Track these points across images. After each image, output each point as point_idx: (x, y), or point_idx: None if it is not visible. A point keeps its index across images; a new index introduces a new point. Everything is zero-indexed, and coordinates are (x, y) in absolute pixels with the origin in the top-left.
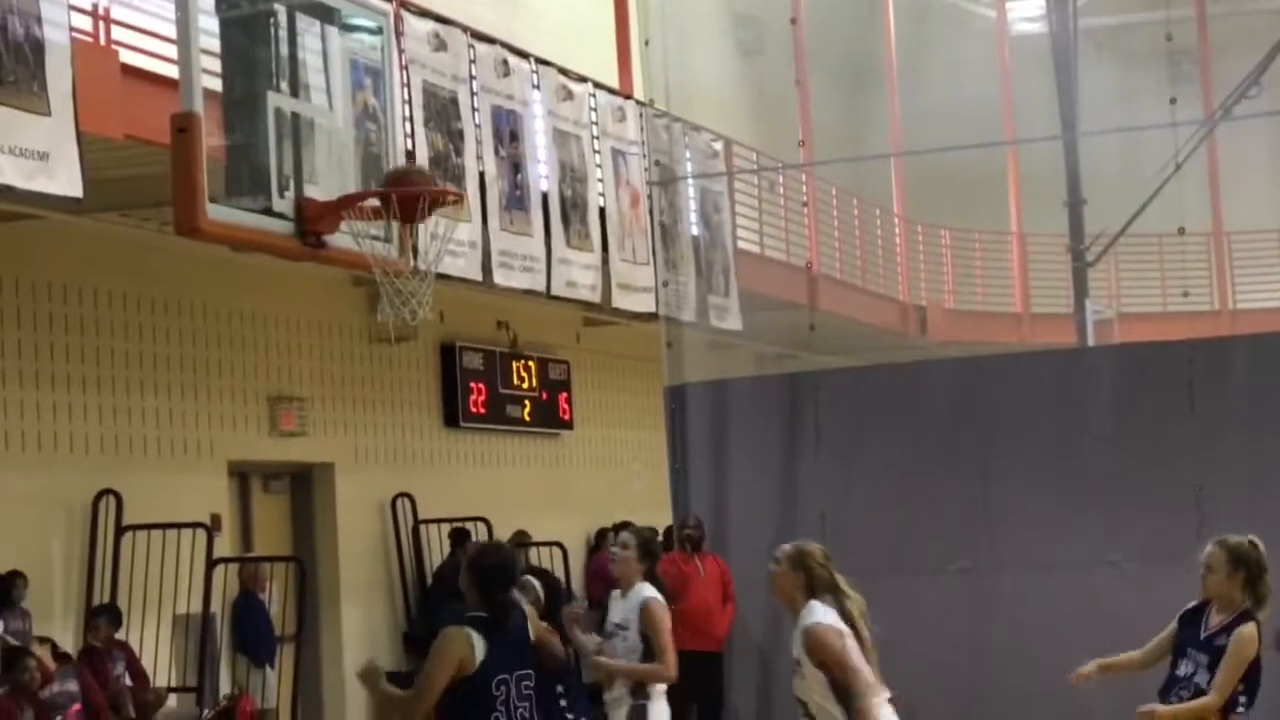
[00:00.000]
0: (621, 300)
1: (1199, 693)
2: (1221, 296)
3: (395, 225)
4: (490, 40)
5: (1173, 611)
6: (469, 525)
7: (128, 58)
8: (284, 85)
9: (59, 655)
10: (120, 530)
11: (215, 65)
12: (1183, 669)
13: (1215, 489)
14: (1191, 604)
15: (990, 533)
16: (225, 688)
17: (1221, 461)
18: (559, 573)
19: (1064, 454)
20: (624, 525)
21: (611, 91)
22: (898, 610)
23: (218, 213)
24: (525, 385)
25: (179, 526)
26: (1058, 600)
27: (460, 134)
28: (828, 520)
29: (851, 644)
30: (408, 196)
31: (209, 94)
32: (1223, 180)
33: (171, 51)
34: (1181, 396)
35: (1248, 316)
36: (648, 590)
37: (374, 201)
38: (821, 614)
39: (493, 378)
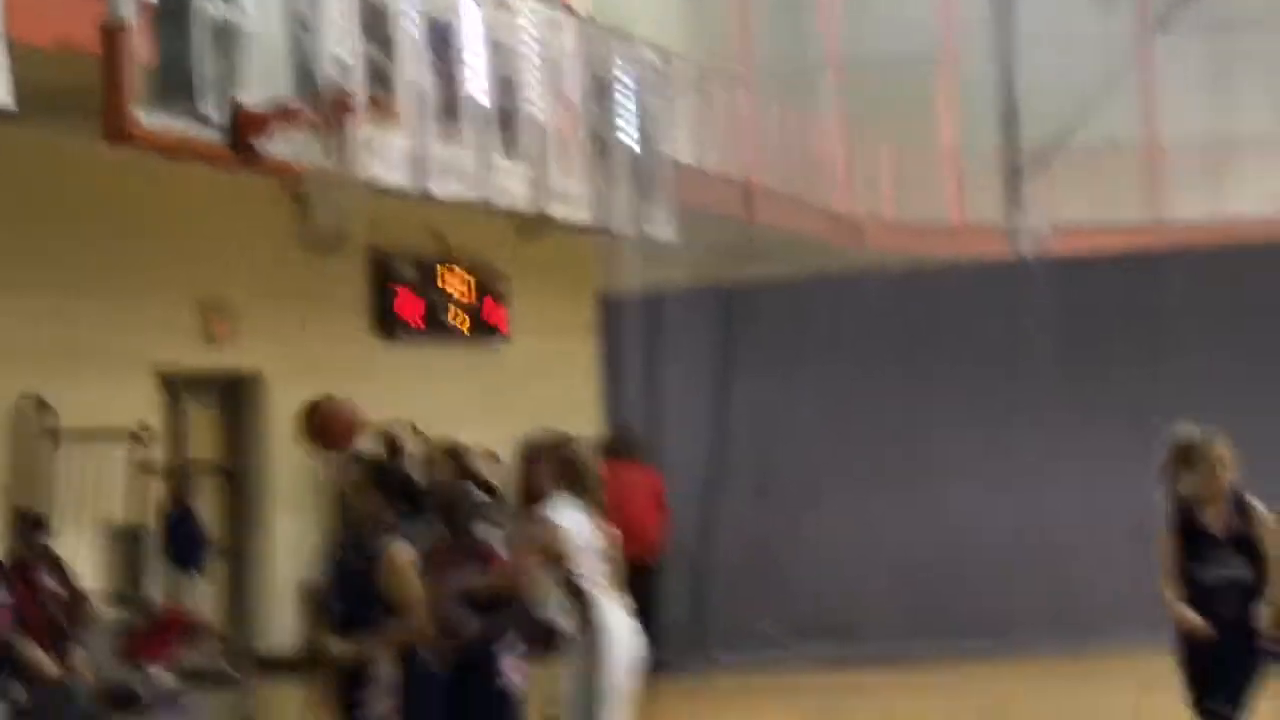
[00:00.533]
0: (556, 211)
1: (1250, 588)
2: (1156, 209)
3: (327, 134)
4: None
5: (1109, 520)
6: (396, 432)
7: None
8: None
9: None
10: (48, 437)
11: None
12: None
13: (1152, 400)
14: (1172, 510)
15: (927, 445)
16: (157, 598)
17: (1158, 373)
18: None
19: (1000, 366)
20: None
21: (548, 3)
22: (836, 519)
23: (148, 120)
24: (459, 295)
25: (108, 434)
26: (995, 512)
27: (393, 43)
28: (761, 431)
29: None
30: (340, 105)
31: (141, 3)
32: (1158, 95)
33: None
34: (1116, 309)
35: (1183, 230)
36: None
37: (306, 110)
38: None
39: (426, 288)
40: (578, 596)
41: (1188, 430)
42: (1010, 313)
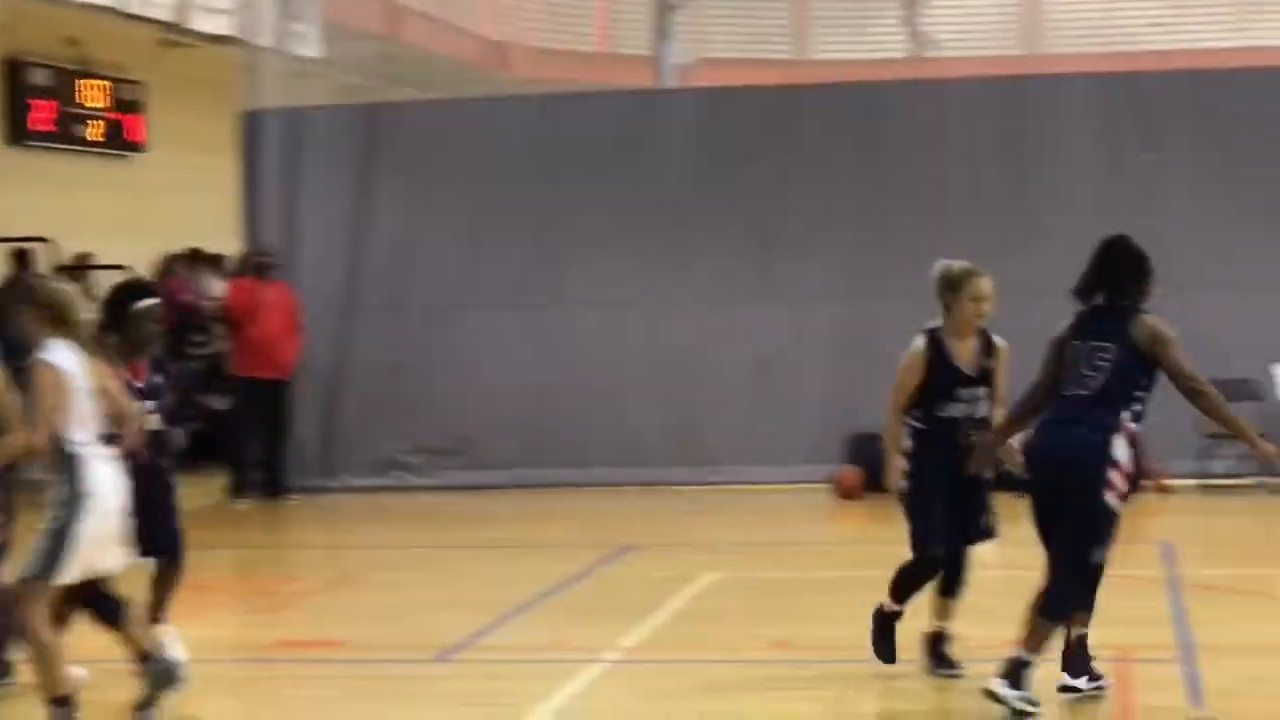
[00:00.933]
0: (199, 21)
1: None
2: (801, 48)
3: None
4: None
5: (734, 352)
6: (28, 246)
7: None
8: None
9: None
10: None
11: None
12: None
13: (780, 234)
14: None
15: (562, 271)
16: None
17: (788, 208)
18: None
19: (638, 195)
20: (195, 252)
21: None
22: (469, 343)
23: None
24: (96, 104)
25: None
26: (625, 336)
27: None
28: (399, 253)
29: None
30: None
31: None
32: None
33: None
34: (753, 142)
35: (824, 68)
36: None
37: None
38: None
39: (61, 95)
40: (63, 453)
41: (952, 263)
42: (650, 143)
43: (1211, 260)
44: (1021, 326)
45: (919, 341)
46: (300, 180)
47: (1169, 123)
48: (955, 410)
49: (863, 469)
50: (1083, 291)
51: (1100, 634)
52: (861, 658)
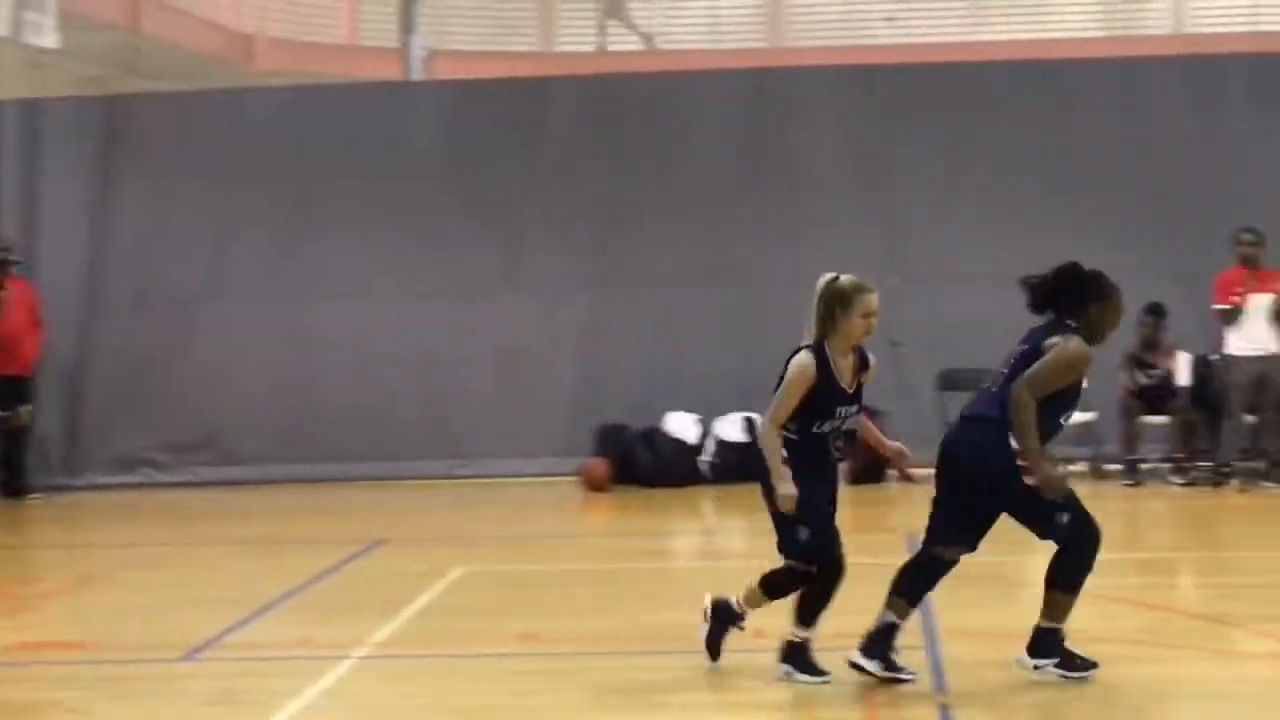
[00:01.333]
0: None
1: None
2: (547, 39)
3: None
4: None
5: (482, 344)
6: None
7: None
8: None
9: None
10: None
11: None
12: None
13: (527, 223)
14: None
15: (310, 263)
16: None
17: (538, 200)
18: None
19: (387, 188)
20: None
21: None
22: (217, 336)
23: None
24: None
25: None
26: (374, 329)
27: None
28: (141, 247)
29: None
30: None
31: None
32: None
33: None
34: (500, 133)
35: (570, 60)
36: None
37: None
38: None
39: None
40: None
41: (840, 276)
42: (397, 135)
43: (954, 251)
44: (775, 319)
45: (807, 359)
46: (39, 173)
47: (910, 115)
48: (829, 426)
49: (610, 461)
50: (1033, 307)
51: (845, 621)
52: (612, 649)
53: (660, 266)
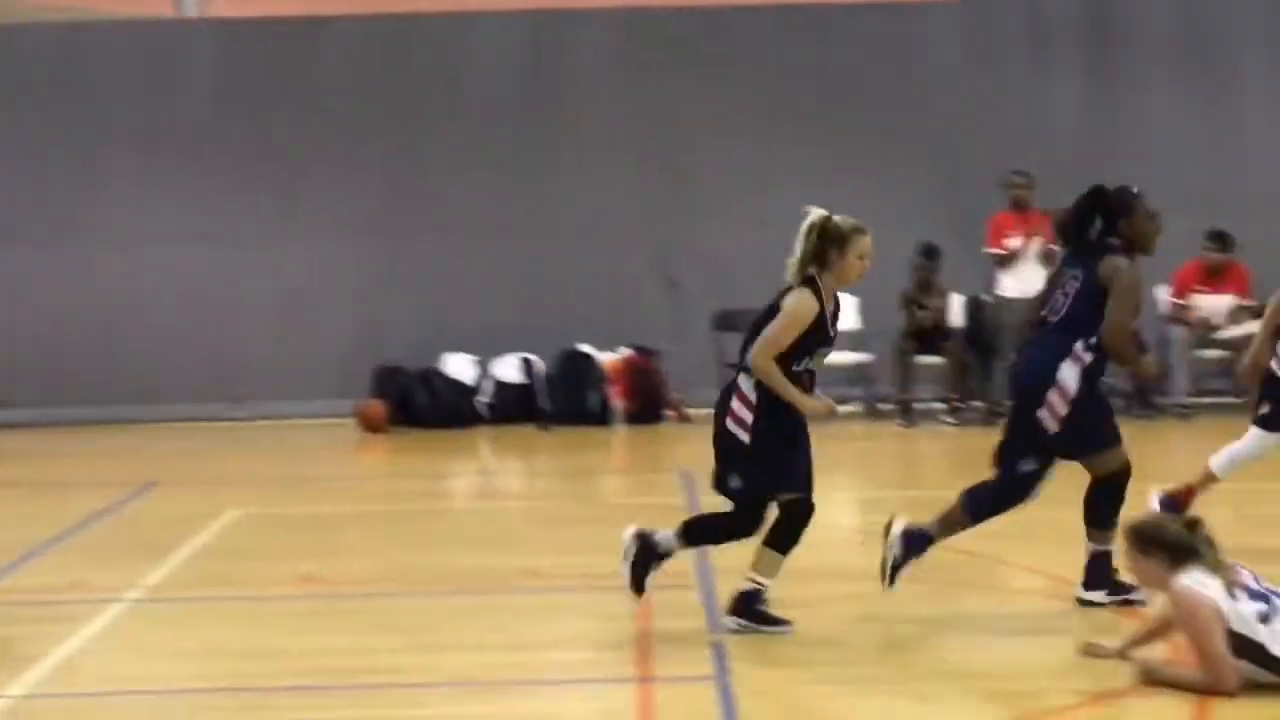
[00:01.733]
0: None
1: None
2: None
3: None
4: None
5: (260, 287)
6: None
7: None
8: None
9: None
10: None
11: None
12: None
13: (308, 168)
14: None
15: (80, 203)
16: None
17: (316, 142)
18: None
19: (160, 127)
20: None
21: None
22: None
23: None
24: None
25: None
26: (148, 271)
27: None
28: None
29: None
30: None
31: None
32: None
33: None
34: (274, 72)
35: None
36: None
37: None
38: None
39: None
40: None
41: (836, 216)
42: (171, 74)
43: (733, 194)
44: (552, 264)
45: (810, 298)
46: None
47: (684, 59)
48: (807, 364)
49: (388, 402)
50: (1066, 241)
51: (596, 561)
52: (392, 590)
53: (440, 210)
